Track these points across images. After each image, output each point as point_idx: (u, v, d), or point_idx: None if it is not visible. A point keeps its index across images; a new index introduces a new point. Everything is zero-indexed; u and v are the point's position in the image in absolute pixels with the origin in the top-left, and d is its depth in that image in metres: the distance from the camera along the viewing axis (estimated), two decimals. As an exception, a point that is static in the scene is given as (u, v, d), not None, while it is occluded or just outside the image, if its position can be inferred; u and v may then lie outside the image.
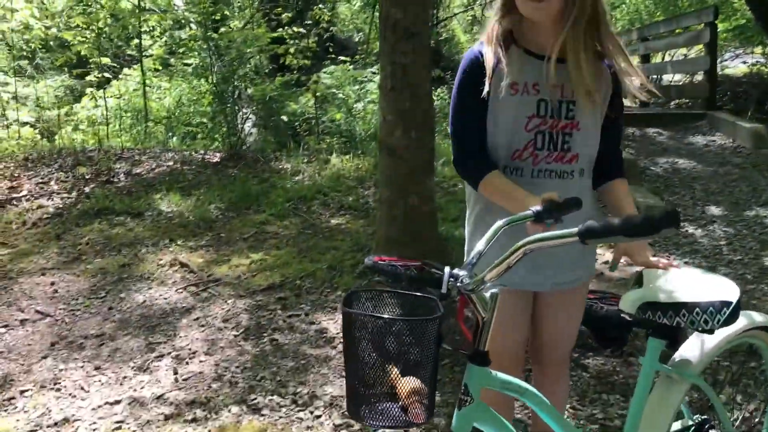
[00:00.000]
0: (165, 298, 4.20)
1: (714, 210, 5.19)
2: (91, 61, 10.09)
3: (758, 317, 1.99)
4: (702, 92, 8.12)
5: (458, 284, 1.43)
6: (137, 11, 9.06)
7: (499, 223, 1.57)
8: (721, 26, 10.34)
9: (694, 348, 1.88)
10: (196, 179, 6.57)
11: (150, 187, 6.34)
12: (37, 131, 10.37)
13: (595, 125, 1.86)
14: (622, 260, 2.01)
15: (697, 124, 7.47)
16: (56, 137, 10.24)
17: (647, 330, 1.80)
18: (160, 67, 11.32)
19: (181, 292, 4.27)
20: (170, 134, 9.16)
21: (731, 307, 1.69)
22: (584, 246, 1.33)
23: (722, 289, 1.74)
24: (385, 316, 1.48)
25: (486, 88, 1.79)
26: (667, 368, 1.82)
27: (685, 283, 1.79)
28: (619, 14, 14.64)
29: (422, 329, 1.39)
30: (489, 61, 1.81)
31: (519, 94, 1.80)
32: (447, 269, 1.46)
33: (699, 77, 9.53)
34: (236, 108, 7.41)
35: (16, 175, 6.80)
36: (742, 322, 1.89)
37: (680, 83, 11.35)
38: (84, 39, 9.83)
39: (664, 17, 12.33)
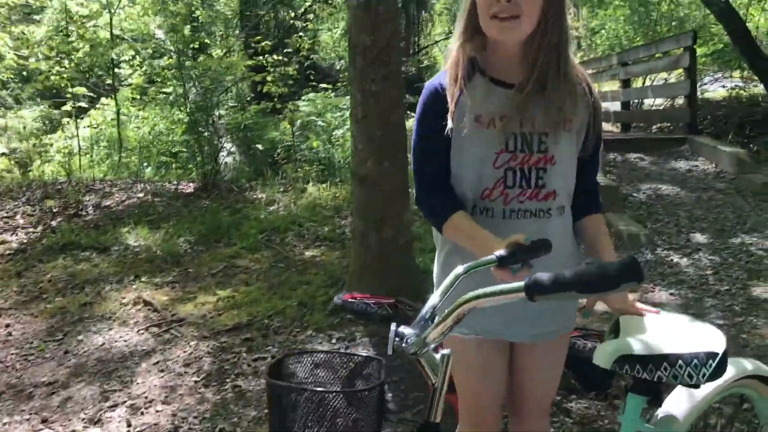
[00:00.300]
0: (125, 340, 3.97)
1: (699, 237, 5.05)
2: (66, 91, 9.95)
3: (748, 365, 1.82)
4: (683, 117, 8.05)
5: (403, 345, 1.23)
6: (111, 41, 8.90)
7: (459, 270, 1.40)
8: (699, 51, 10.33)
9: (678, 403, 1.71)
10: (167, 211, 6.36)
11: (118, 221, 6.13)
12: (12, 162, 10.17)
13: (571, 157, 1.68)
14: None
15: (678, 149, 7.37)
16: (31, 168, 10.03)
17: (626, 384, 1.62)
18: (138, 96, 11.18)
19: (143, 333, 4.05)
20: (145, 164, 8.97)
21: (717, 359, 1.51)
22: (534, 302, 1.16)
23: (707, 338, 1.57)
24: (318, 389, 1.27)
25: (449, 124, 1.62)
26: (649, 428, 1.63)
27: (667, 332, 1.62)
28: (599, 39, 14.69)
29: (361, 400, 1.19)
30: (451, 93, 1.64)
31: (485, 128, 1.63)
32: (393, 327, 1.27)
33: (680, 101, 9.49)
34: (210, 137, 7.23)
35: (-20, 209, 6.57)
36: (730, 371, 1.72)
37: (661, 107, 11.33)
38: (63, 68, 9.72)
39: (643, 42, 12.36)
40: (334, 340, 3.72)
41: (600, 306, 3.49)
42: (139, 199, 6.75)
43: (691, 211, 5.57)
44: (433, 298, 1.34)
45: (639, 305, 1.74)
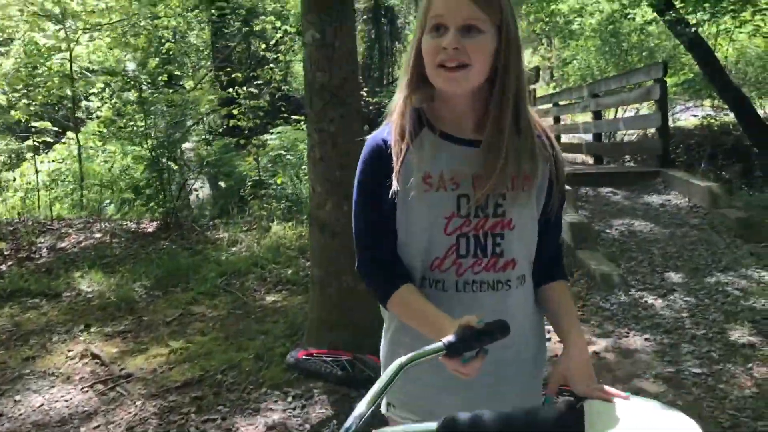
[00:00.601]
0: (66, 400, 3.68)
1: (674, 277, 4.89)
2: (30, 125, 9.71)
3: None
4: (655, 149, 7.97)
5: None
6: (71, 75, 8.67)
7: (402, 360, 1.20)
8: (670, 80, 10.37)
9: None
10: (124, 253, 6.08)
11: (72, 264, 5.84)
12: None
13: (531, 220, 1.49)
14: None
15: (652, 182, 7.26)
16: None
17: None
18: (105, 130, 10.94)
19: (87, 391, 3.76)
20: (107, 201, 8.68)
21: (691, 458, 1.31)
22: None
23: (680, 430, 1.37)
24: None
25: (394, 185, 1.42)
26: None
27: (636, 421, 1.41)
28: (571, 70, 14.74)
29: None
30: (396, 150, 1.44)
31: (434, 189, 1.43)
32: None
33: (651, 131, 9.46)
34: (171, 174, 6.98)
35: (-74, 252, 6.25)
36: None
37: (633, 136, 11.32)
38: (31, 102, 9.50)
39: (615, 72, 12.39)
40: (290, 398, 3.47)
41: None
42: (96, 240, 6.46)
43: (665, 248, 5.42)
44: (360, 407, 1.13)
45: (607, 389, 1.54)
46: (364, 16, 18.94)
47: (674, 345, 3.91)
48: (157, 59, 10.85)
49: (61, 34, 8.41)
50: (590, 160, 10.07)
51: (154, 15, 11.12)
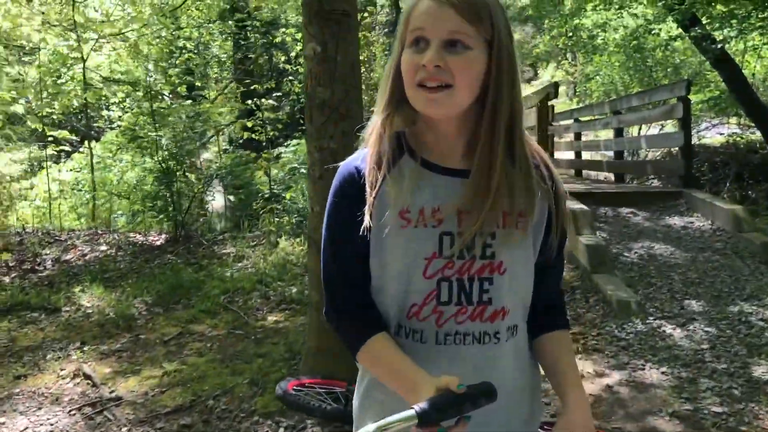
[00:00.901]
0: (51, 424, 3.54)
1: (694, 305, 4.64)
2: (48, 134, 9.75)
3: None
4: (677, 169, 7.70)
5: None
6: (84, 85, 8.66)
7: (368, 429, 1.04)
8: (695, 98, 10.09)
9: None
10: (128, 267, 5.98)
11: (74, 278, 5.74)
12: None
13: (526, 263, 1.30)
14: None
15: (674, 203, 6.98)
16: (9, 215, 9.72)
17: None
18: (122, 140, 10.95)
19: (74, 415, 3.63)
20: (120, 213, 8.63)
21: None
22: None
23: None
24: None
25: (366, 220, 1.24)
26: None
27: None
28: (594, 85, 14.48)
29: None
30: (371, 180, 1.26)
31: (412, 226, 1.24)
32: None
33: (674, 150, 9.19)
34: (180, 187, 6.88)
35: (-68, 263, 6.20)
36: None
37: (657, 153, 11.03)
38: (51, 111, 9.57)
39: (639, 88, 12.13)
40: (282, 429, 3.30)
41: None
42: (101, 253, 6.38)
43: (686, 273, 5.17)
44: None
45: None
46: (386, 29, 18.88)
47: (693, 380, 3.67)
48: (177, 69, 10.86)
49: (75, 44, 8.41)
50: (611, 178, 9.81)
51: (177, 26, 11.14)
